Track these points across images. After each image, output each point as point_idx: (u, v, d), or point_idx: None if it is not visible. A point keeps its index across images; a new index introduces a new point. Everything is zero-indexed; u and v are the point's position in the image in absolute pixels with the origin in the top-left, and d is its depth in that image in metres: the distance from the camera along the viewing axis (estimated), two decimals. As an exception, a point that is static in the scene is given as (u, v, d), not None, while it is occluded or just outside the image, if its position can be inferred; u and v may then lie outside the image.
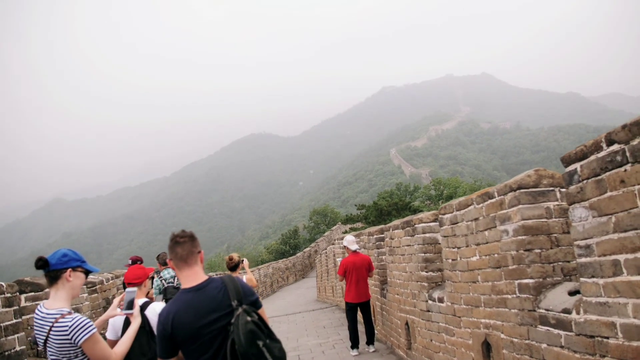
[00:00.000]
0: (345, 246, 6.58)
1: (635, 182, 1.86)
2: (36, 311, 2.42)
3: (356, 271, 6.24)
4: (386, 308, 6.28)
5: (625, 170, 1.90)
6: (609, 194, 2.00)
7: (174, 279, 7.10)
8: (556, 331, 2.49)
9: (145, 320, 2.98)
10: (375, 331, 6.73)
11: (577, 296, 2.34)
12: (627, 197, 1.90)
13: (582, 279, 2.20)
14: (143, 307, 3.06)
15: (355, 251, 6.45)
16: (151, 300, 3.27)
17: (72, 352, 2.32)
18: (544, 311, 2.61)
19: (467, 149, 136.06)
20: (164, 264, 7.39)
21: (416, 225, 4.57)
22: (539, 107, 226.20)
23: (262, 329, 2.22)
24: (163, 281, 6.97)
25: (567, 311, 2.39)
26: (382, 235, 6.21)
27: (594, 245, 2.10)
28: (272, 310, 13.49)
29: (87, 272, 2.57)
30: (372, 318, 6.65)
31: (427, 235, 4.41)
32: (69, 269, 2.45)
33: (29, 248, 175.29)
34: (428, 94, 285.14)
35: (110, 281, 6.15)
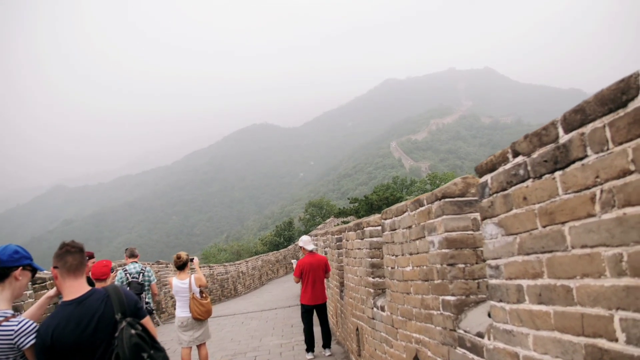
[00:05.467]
0: (301, 247, 6.29)
1: (536, 200, 1.62)
2: None
3: (313, 272, 5.98)
4: (343, 311, 6.02)
5: (527, 187, 1.67)
6: (514, 211, 1.77)
7: (138, 275, 6.94)
8: (471, 356, 2.27)
9: None
10: (337, 333, 6.52)
11: (490, 320, 2.13)
12: (529, 217, 1.67)
13: (491, 302, 1.99)
14: None
15: (311, 251, 6.18)
16: None
17: (11, 356, 2.20)
18: (462, 332, 2.39)
19: (468, 143, 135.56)
20: (131, 256, 7.27)
21: (365, 229, 4.34)
22: (540, 103, 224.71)
23: (146, 340, 2.29)
24: (128, 275, 6.84)
25: (480, 335, 2.17)
26: (341, 236, 5.96)
27: (503, 266, 1.87)
28: (251, 305, 13.36)
29: (34, 271, 2.43)
30: (329, 320, 6.41)
31: (375, 239, 4.17)
32: (20, 267, 2.31)
33: (29, 234, 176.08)
34: (430, 87, 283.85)
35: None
